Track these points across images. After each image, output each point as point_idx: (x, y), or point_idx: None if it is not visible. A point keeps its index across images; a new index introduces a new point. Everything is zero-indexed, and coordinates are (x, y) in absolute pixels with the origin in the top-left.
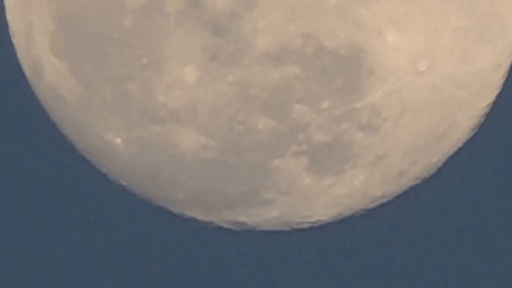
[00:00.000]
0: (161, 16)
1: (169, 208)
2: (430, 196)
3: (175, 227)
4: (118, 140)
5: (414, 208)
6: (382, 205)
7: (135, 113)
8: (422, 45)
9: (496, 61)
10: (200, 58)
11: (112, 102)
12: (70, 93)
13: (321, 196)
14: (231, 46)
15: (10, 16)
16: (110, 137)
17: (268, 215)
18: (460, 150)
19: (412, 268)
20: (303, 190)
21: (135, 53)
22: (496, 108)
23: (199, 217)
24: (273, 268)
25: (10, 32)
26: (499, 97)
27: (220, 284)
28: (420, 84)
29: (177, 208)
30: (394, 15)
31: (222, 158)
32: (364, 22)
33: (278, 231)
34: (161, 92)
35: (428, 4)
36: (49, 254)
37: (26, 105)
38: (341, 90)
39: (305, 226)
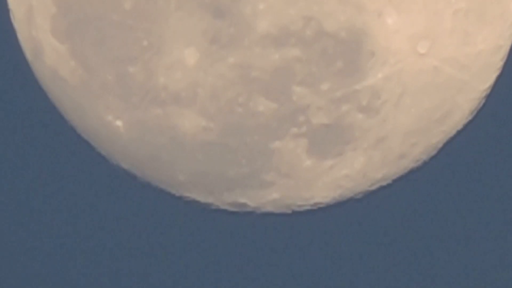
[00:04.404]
0: None
1: (170, 190)
2: (430, 178)
3: (176, 209)
4: (119, 122)
5: (414, 190)
6: (382, 187)
7: (136, 95)
8: (422, 27)
9: (496, 43)
10: (201, 40)
11: (112, 84)
12: (70, 76)
13: (321, 178)
14: (231, 28)
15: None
16: (110, 119)
17: (269, 197)
18: (460, 132)
19: (411, 250)
20: (304, 172)
21: (135, 35)
22: (496, 90)
23: (200, 199)
24: (274, 250)
25: (11, 15)
26: (499, 79)
27: (220, 266)
28: (421, 66)
29: (178, 190)
30: None
31: (222, 140)
32: (364, 4)
33: (278, 213)
34: (162, 74)
35: None
36: (48, 237)
37: (26, 87)
38: (342, 72)
39: (306, 208)
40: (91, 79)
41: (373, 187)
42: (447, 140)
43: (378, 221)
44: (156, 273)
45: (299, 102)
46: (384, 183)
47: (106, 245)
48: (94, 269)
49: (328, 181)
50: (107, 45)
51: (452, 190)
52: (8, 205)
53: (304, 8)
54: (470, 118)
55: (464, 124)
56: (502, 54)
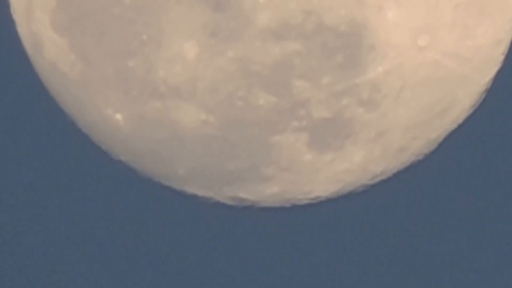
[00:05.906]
0: None
1: (169, 184)
2: (430, 172)
3: (176, 203)
4: (119, 116)
5: (414, 183)
6: (383, 181)
7: (135, 89)
8: (422, 21)
9: (496, 37)
10: (200, 34)
11: (112, 78)
12: (70, 69)
13: (322, 172)
14: (231, 22)
15: None
16: (110, 113)
17: (269, 191)
18: (460, 126)
19: (411, 243)
20: (304, 166)
21: (135, 29)
22: (497, 84)
23: (200, 193)
24: (274, 244)
25: (11, 8)
26: (499, 73)
27: (220, 260)
28: (421, 60)
29: (178, 184)
30: None
31: (222, 134)
32: None
33: (278, 207)
34: (161, 68)
35: None
36: (48, 232)
37: (26, 81)
38: (342, 66)
39: (306, 202)
40: (91, 73)
41: (373, 181)
42: (448, 134)
43: (378, 214)
44: (156, 267)
45: (299, 95)
46: (384, 177)
47: (106, 239)
48: (95, 262)
49: (328, 175)
50: (107, 38)
51: (452, 184)
52: (8, 199)
53: (304, 2)
54: (470, 112)
55: (464, 118)
56: (503, 48)
